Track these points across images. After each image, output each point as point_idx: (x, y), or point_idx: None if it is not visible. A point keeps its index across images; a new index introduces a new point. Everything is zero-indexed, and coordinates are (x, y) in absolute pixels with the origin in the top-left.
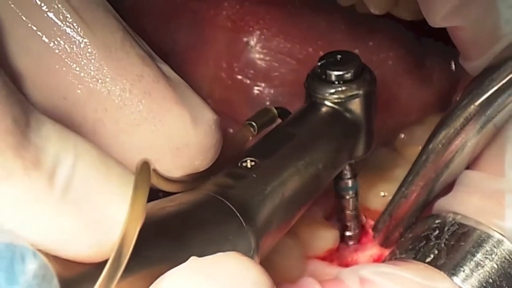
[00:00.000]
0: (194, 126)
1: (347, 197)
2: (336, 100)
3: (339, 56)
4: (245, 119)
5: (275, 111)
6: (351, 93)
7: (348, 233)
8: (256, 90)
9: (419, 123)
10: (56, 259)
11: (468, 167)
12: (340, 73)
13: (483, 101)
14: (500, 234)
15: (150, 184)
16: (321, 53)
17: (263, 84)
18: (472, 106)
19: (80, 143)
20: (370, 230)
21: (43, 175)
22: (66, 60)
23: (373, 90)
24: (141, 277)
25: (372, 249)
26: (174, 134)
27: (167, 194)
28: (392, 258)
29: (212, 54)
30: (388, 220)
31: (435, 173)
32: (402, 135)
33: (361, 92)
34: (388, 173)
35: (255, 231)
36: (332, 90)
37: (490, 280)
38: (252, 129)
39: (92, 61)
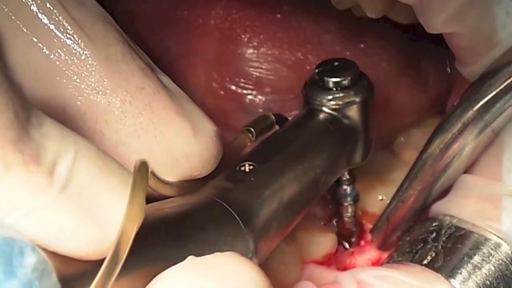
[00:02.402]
0: (195, 138)
1: (345, 203)
2: (334, 107)
3: (336, 63)
4: (238, 126)
5: (273, 117)
6: (348, 100)
7: (346, 239)
8: (248, 98)
9: (417, 126)
10: (54, 255)
11: (466, 171)
12: (338, 79)
13: (481, 106)
14: (498, 236)
15: (148, 183)
16: (311, 57)
17: (254, 92)
18: (470, 111)
19: (80, 141)
20: (368, 234)
21: (43, 170)
22: (66, 72)
23: (371, 97)
24: (140, 276)
25: (370, 253)
26: (175, 145)
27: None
28: (390, 261)
29: (202, 64)
30: (386, 224)
31: (432, 177)
32: (401, 138)
33: (358, 98)
34: (386, 176)
35: (254, 234)
36: (330, 97)
37: (488, 282)
38: (250, 135)
39: (93, 73)
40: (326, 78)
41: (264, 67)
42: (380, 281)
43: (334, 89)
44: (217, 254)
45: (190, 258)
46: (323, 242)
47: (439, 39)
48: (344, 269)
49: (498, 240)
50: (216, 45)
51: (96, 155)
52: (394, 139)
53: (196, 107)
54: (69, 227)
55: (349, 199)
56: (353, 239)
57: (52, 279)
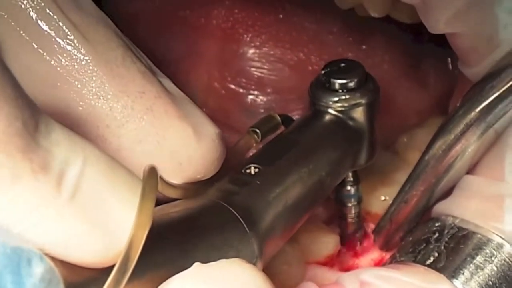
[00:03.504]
0: (197, 141)
1: (349, 204)
2: (339, 109)
3: (342, 65)
4: (240, 126)
5: (278, 118)
6: (354, 102)
7: (349, 240)
8: (249, 98)
9: (420, 127)
10: (63, 264)
11: (468, 172)
12: (344, 81)
13: (483, 108)
14: (500, 237)
15: (157, 190)
16: (313, 58)
17: (256, 92)
18: (473, 113)
19: (88, 148)
20: (371, 234)
21: (51, 178)
22: (67, 77)
23: (377, 99)
24: (145, 282)
25: (373, 253)
26: (177, 149)
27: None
28: (393, 261)
29: (204, 64)
30: (389, 224)
31: (435, 178)
32: (403, 139)
33: (364, 100)
34: (389, 176)
35: (259, 238)
36: (336, 99)
37: (490, 283)
38: (255, 136)
39: (94, 78)
40: (332, 80)
41: (266, 67)
42: (382, 281)
43: (340, 90)
44: (223, 261)
45: (196, 265)
46: (326, 243)
47: (441, 40)
48: (347, 269)
49: (501, 240)
50: (218, 45)
51: (104, 162)
52: (396, 140)
53: (198, 109)
54: (77, 236)
55: (352, 200)
56: (356, 242)
57: None
